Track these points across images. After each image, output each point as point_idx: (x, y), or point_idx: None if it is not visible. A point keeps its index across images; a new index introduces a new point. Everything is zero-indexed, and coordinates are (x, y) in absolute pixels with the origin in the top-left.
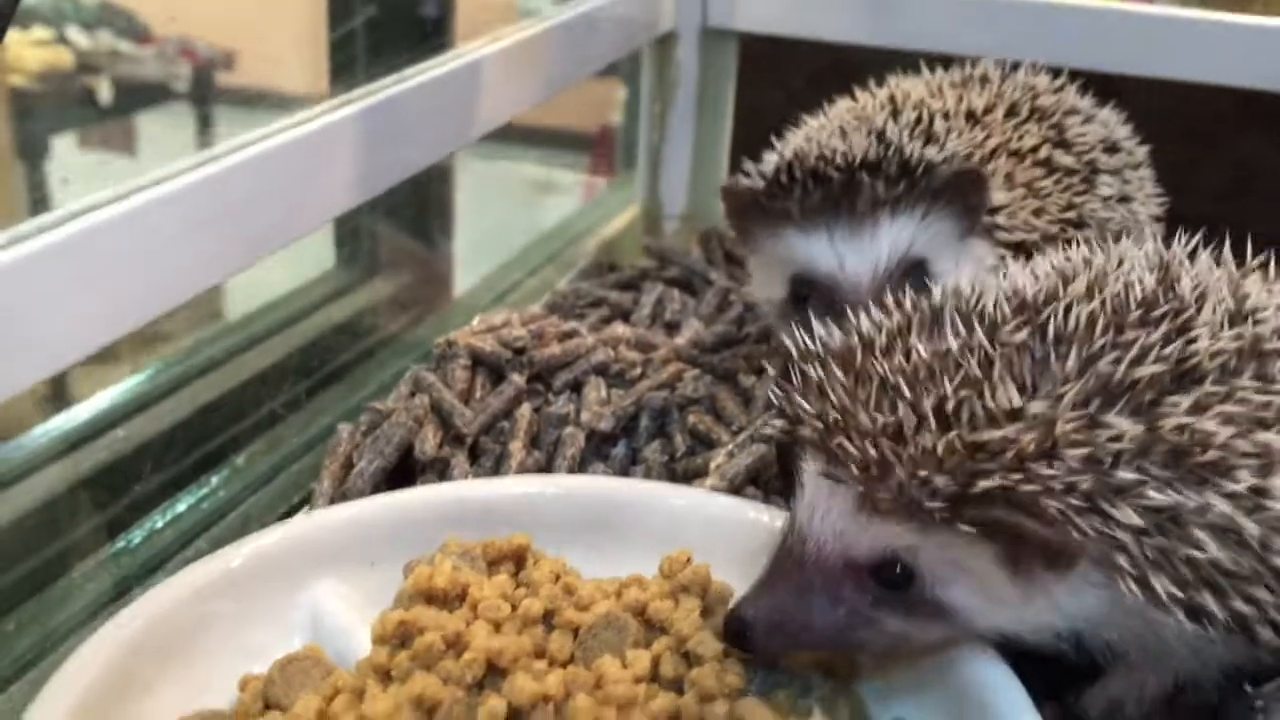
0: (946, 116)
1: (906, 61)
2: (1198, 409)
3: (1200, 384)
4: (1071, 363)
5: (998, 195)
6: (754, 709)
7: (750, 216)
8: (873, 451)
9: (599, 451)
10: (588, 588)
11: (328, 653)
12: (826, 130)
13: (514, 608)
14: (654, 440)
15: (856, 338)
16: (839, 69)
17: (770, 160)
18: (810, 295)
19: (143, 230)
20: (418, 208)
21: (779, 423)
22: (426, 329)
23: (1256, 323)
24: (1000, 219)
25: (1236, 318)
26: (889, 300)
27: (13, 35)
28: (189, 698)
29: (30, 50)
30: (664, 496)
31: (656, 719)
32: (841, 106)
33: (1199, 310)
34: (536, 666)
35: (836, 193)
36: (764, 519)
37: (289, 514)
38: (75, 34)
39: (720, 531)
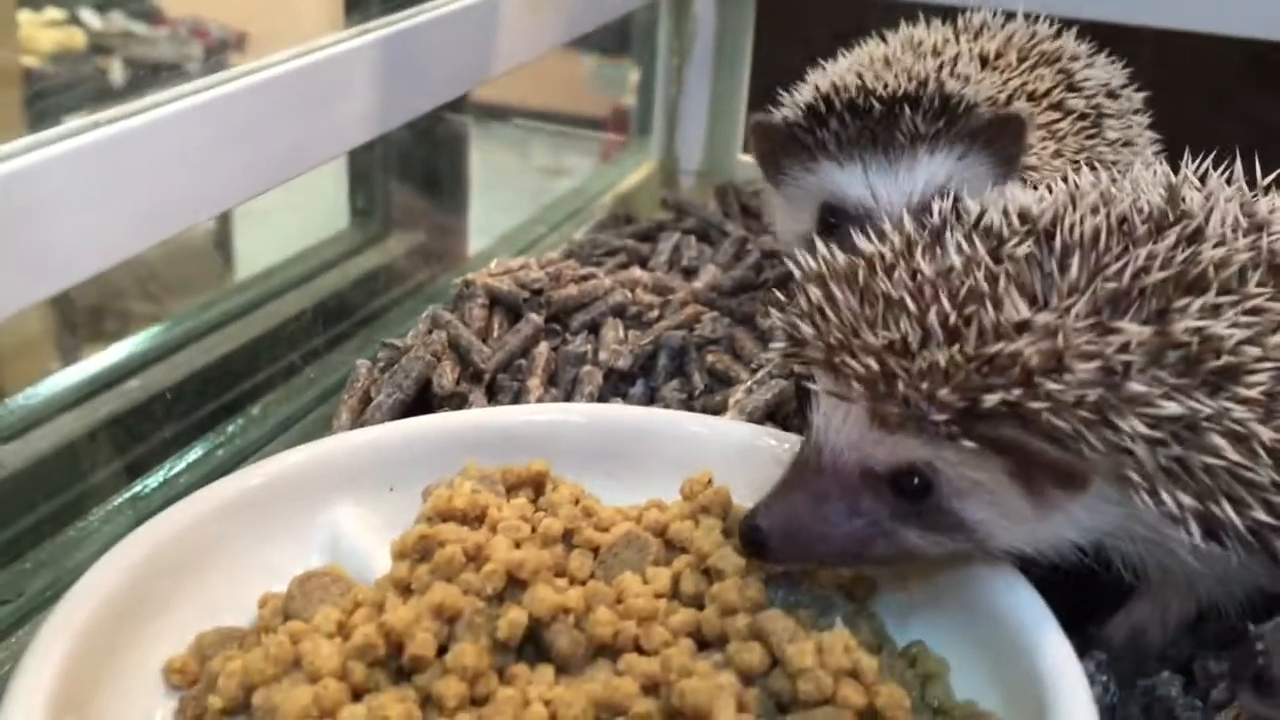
0: (966, 60)
1: (923, 14)
2: (1207, 312)
3: (1208, 290)
4: (1077, 273)
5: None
6: (776, 619)
7: (783, 148)
8: (877, 367)
9: (617, 390)
10: (607, 510)
11: (347, 572)
12: (859, 66)
13: (534, 530)
14: (672, 379)
15: (860, 257)
16: (856, 23)
17: (804, 93)
18: (839, 227)
19: (162, 143)
20: (432, 170)
21: (784, 344)
22: (442, 283)
23: (1270, 235)
24: (1030, 159)
25: (1249, 230)
26: (890, 224)
27: (26, 16)
28: (208, 614)
29: (43, 31)
30: (682, 424)
31: (677, 632)
32: (865, 49)
33: (1207, 222)
34: (557, 582)
35: (875, 124)
36: (783, 446)
37: None
38: (88, 15)
39: (739, 458)
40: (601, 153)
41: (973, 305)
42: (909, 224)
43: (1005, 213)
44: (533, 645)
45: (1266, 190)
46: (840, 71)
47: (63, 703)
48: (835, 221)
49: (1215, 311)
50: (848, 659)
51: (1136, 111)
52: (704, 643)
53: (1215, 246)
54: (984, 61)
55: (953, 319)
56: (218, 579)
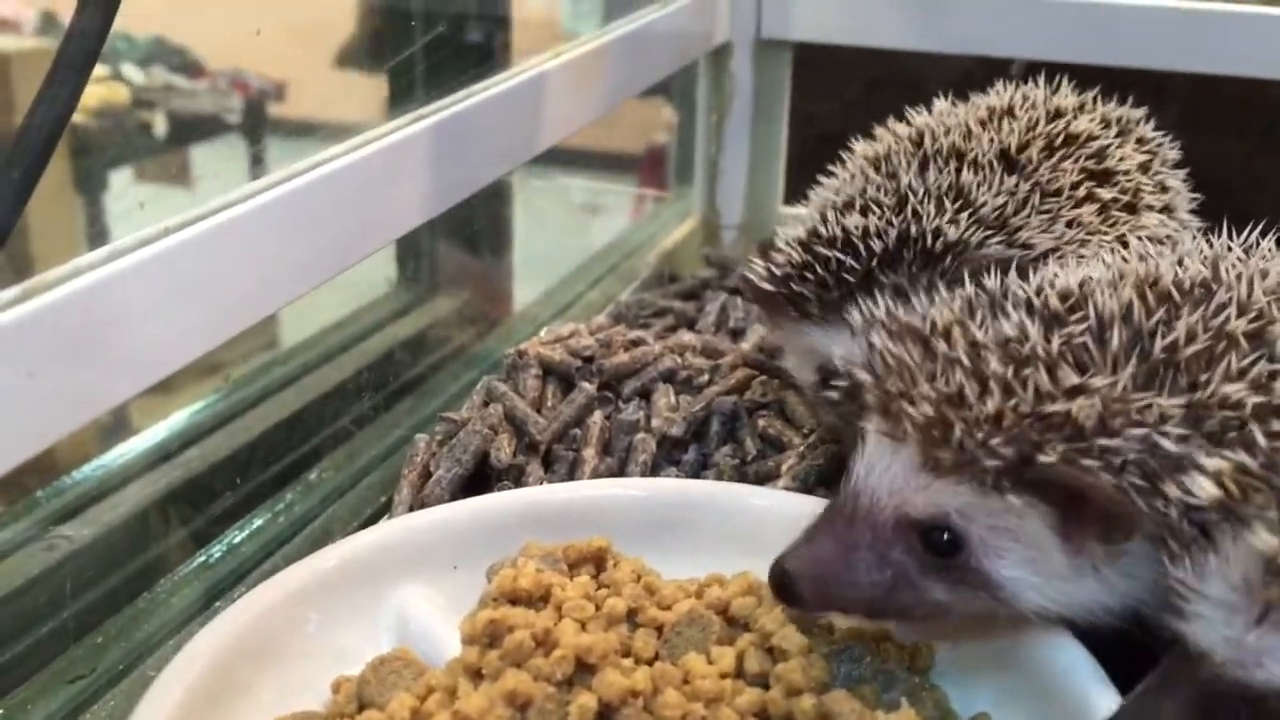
0: (976, 166)
1: (958, 66)
2: (1232, 377)
3: (1235, 355)
4: (1120, 346)
5: (1041, 238)
6: (842, 701)
7: (770, 308)
8: (933, 413)
9: (670, 457)
10: (669, 587)
11: (417, 655)
12: (843, 196)
13: (597, 608)
14: (724, 445)
15: (921, 317)
16: (893, 75)
17: (787, 245)
18: (835, 383)
19: (227, 246)
20: (475, 226)
21: (844, 385)
22: (489, 343)
23: None
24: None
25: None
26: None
27: None
28: (284, 699)
29: (87, 88)
30: (738, 496)
31: (744, 714)
32: (863, 154)
33: (1249, 293)
34: (624, 664)
35: (852, 290)
36: None
37: (365, 525)
38: (130, 70)
39: (794, 529)
40: (638, 187)
41: (1028, 369)
42: (970, 292)
43: (1054, 290)
44: None
45: None
46: (817, 212)
47: None
48: (830, 378)
49: (1242, 374)
50: None
51: (1173, 165)
52: None
53: (1252, 321)
54: (1003, 158)
55: (1009, 377)
56: (293, 663)
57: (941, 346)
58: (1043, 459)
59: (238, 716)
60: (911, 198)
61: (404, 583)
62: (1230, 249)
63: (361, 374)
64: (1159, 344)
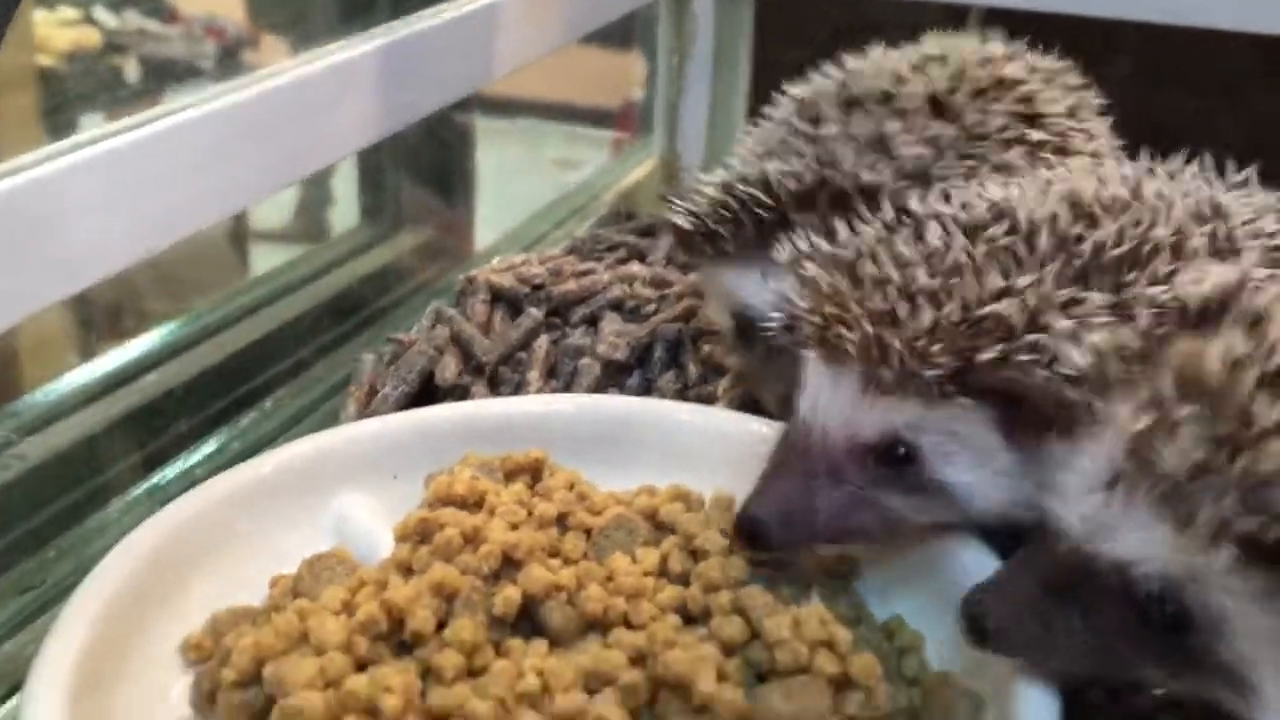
0: (904, 114)
1: (921, 13)
2: (1158, 281)
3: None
4: (1046, 250)
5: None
6: (755, 595)
7: (688, 246)
8: (871, 332)
9: (614, 381)
10: (600, 495)
11: (352, 555)
12: (767, 143)
13: (530, 514)
14: (668, 370)
15: (845, 246)
16: (857, 21)
17: (709, 186)
18: (749, 327)
19: (175, 148)
20: (440, 167)
21: (779, 324)
22: (450, 279)
23: (1230, 224)
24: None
25: (1210, 217)
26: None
27: (40, 15)
28: (222, 595)
29: (58, 30)
30: (674, 413)
31: (664, 609)
32: (791, 100)
33: (1169, 211)
34: (551, 562)
35: (768, 230)
36: (770, 431)
37: None
38: (102, 13)
39: (728, 445)
40: (613, 146)
41: (955, 279)
42: (890, 213)
43: (980, 204)
44: (528, 621)
45: (1233, 183)
46: (741, 159)
47: (85, 681)
48: (747, 330)
49: (1166, 279)
50: (823, 631)
51: (1100, 114)
52: (689, 618)
53: (1171, 230)
54: (931, 102)
55: (938, 289)
56: (231, 562)
57: (869, 269)
58: (980, 360)
59: (174, 612)
60: (833, 144)
61: (343, 490)
62: (1153, 172)
63: (322, 307)
64: (1083, 247)
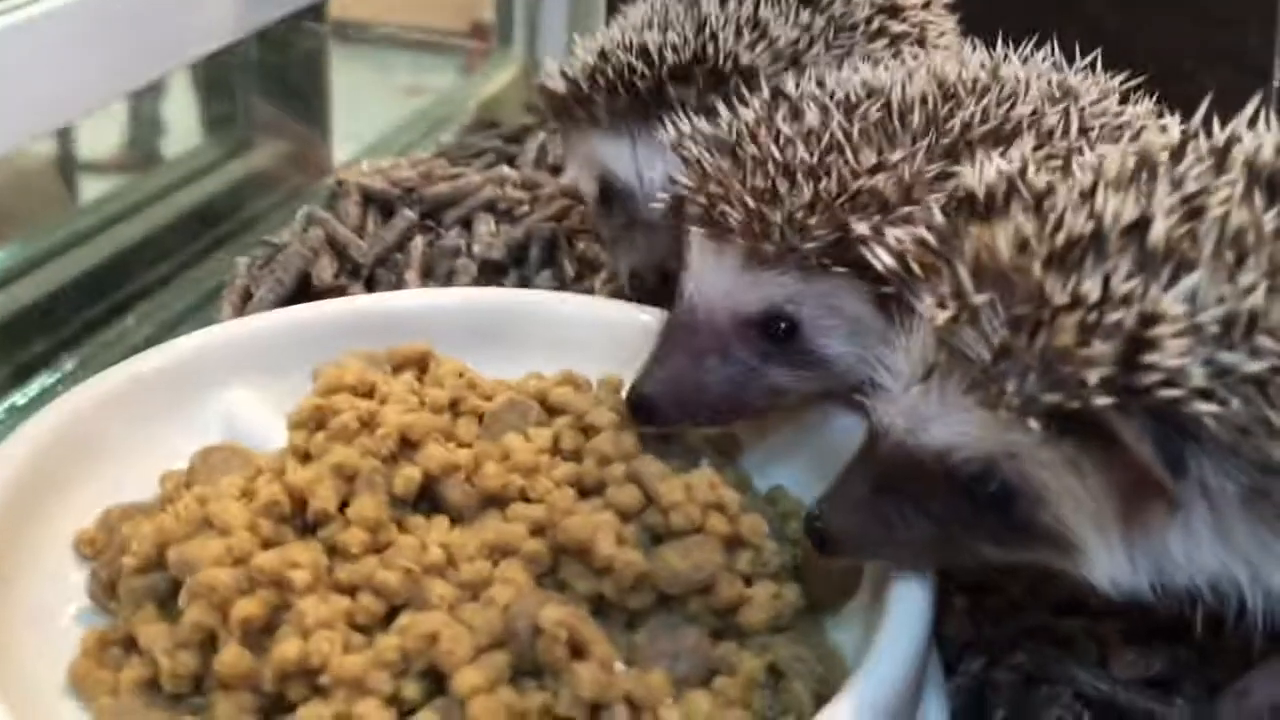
0: (778, 2)
1: None
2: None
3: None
4: (917, 127)
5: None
6: (648, 463)
7: (561, 116)
8: (755, 208)
9: (491, 281)
10: (490, 382)
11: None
12: (644, 18)
13: (421, 402)
14: (544, 269)
15: (726, 126)
16: None
17: (584, 53)
18: (613, 198)
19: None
20: (292, 82)
21: (666, 206)
22: (306, 197)
23: (1079, 103)
24: None
25: (1061, 98)
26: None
27: None
28: (111, 492)
29: None
30: (553, 303)
31: (559, 483)
32: None
33: (1025, 91)
34: (447, 445)
35: (642, 101)
36: (651, 318)
37: None
38: None
39: (610, 333)
40: (465, 68)
41: (831, 154)
42: (767, 93)
43: (853, 85)
44: (426, 502)
45: (1078, 68)
46: (618, 30)
47: None
48: (609, 196)
49: (1036, 157)
50: (713, 494)
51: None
52: (584, 492)
53: (1029, 108)
54: None
55: (815, 164)
56: (118, 459)
57: (750, 148)
58: (856, 232)
59: (64, 508)
60: (711, 22)
61: (229, 386)
62: (1008, 58)
63: (173, 226)
64: (950, 125)
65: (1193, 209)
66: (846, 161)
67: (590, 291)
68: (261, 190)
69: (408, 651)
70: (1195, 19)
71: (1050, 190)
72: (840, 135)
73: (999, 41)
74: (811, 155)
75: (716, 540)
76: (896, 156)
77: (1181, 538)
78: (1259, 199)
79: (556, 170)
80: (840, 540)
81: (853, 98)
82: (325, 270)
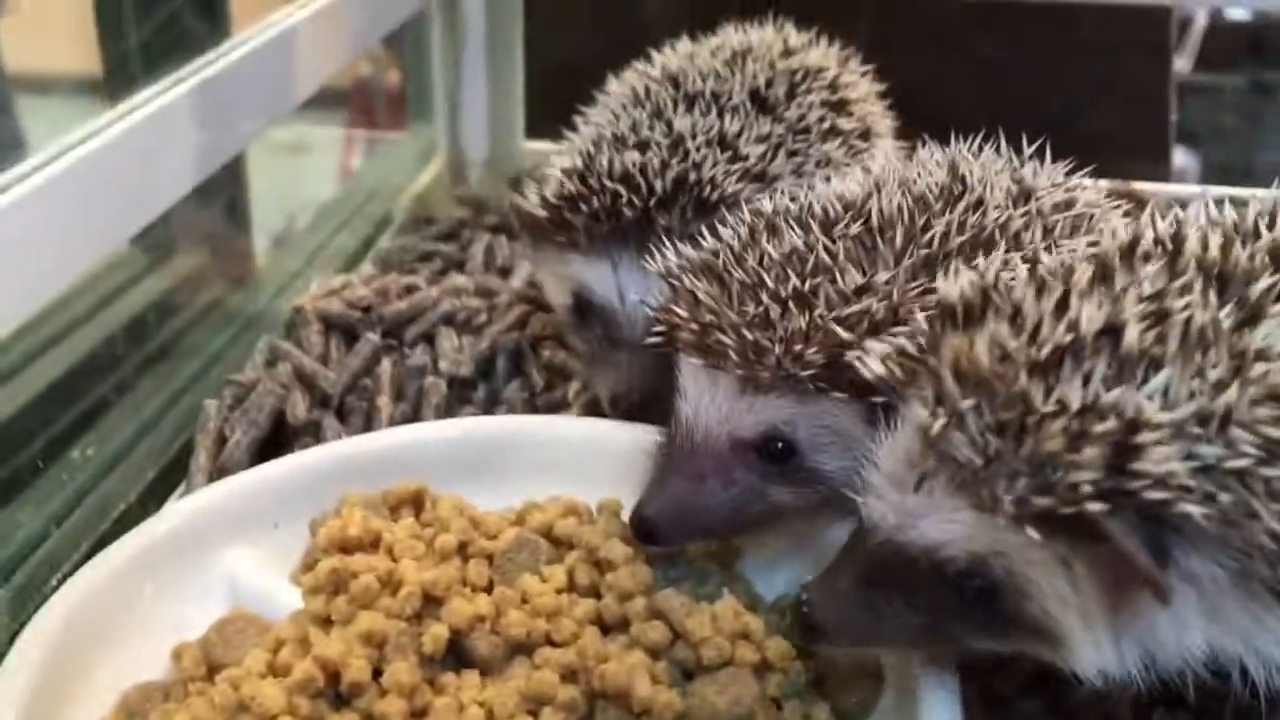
0: (735, 111)
1: None
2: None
3: (995, 249)
4: (899, 245)
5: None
6: (671, 598)
7: (536, 234)
8: (749, 337)
9: (462, 396)
10: (492, 518)
11: (255, 613)
12: (614, 131)
13: (427, 546)
14: (512, 380)
15: (712, 252)
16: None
17: (557, 172)
18: (589, 316)
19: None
20: (204, 183)
21: (658, 335)
22: (238, 299)
23: (1038, 199)
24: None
25: (1018, 197)
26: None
27: None
28: (125, 675)
29: None
30: (543, 427)
31: (582, 623)
32: (621, 92)
33: (989, 193)
34: (466, 593)
35: (625, 227)
36: (644, 435)
37: (145, 496)
38: None
39: (603, 453)
40: (348, 125)
41: (819, 277)
42: (749, 216)
43: (828, 200)
44: (453, 655)
45: (1026, 160)
46: (590, 143)
47: None
48: (585, 311)
49: (1005, 265)
50: (739, 623)
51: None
52: (605, 628)
53: (997, 213)
54: (756, 99)
55: (805, 291)
56: (129, 640)
57: (737, 274)
58: (847, 356)
59: (80, 695)
60: (686, 140)
61: (228, 546)
62: (963, 155)
63: (112, 343)
64: (928, 238)
65: (1158, 312)
66: (834, 282)
67: (562, 400)
68: (193, 296)
69: None
70: (1089, 54)
71: (1023, 300)
72: (825, 256)
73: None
74: (801, 280)
75: (747, 671)
76: (882, 278)
77: (1170, 625)
78: (1213, 297)
79: (506, 272)
80: (826, 628)
81: (831, 213)
82: (299, 406)
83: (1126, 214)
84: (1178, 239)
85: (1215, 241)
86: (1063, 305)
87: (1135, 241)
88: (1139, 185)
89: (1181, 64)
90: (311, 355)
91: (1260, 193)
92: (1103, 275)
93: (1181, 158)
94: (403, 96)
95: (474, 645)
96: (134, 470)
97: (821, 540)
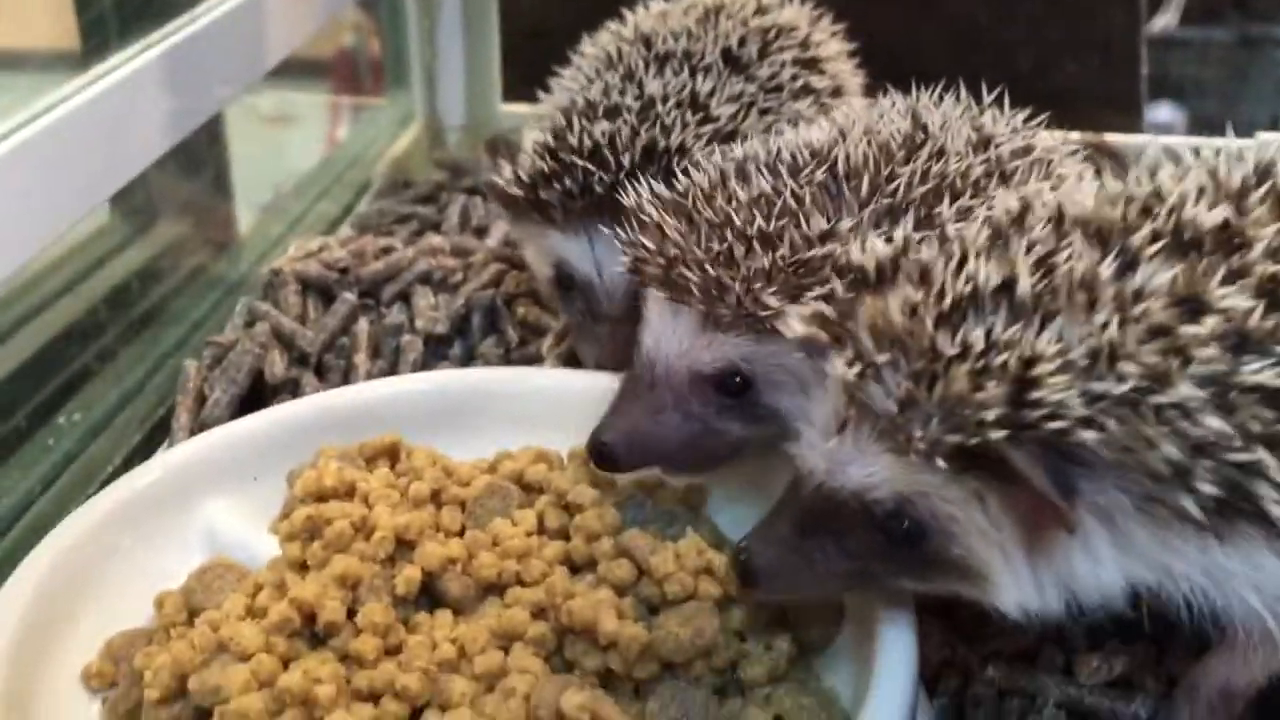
0: (707, 71)
1: None
2: (961, 214)
3: (958, 196)
4: (863, 193)
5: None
6: (636, 537)
7: (514, 211)
8: (712, 273)
9: (438, 352)
10: (465, 467)
11: (234, 561)
12: (585, 98)
13: (401, 495)
14: (488, 336)
15: (683, 192)
16: None
17: (531, 147)
18: (571, 289)
19: None
20: (185, 152)
21: (625, 264)
22: (222, 265)
23: (997, 147)
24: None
25: (979, 145)
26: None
27: None
28: (108, 623)
29: None
30: (515, 378)
31: (551, 563)
32: (594, 55)
33: (950, 141)
34: (437, 536)
35: (598, 201)
36: (612, 386)
37: (130, 459)
38: None
39: (575, 402)
40: (333, 94)
41: (784, 220)
42: (719, 160)
43: (796, 146)
44: (426, 596)
45: (985, 108)
46: (561, 115)
47: (8, 700)
48: (568, 285)
49: (965, 214)
50: (702, 560)
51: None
52: (574, 568)
53: (958, 161)
54: (727, 58)
55: (769, 233)
56: (113, 586)
57: (706, 213)
58: (806, 297)
59: (67, 646)
60: (656, 104)
61: (208, 498)
62: (925, 105)
63: (95, 311)
64: (892, 187)
65: (1046, 267)
66: (799, 226)
67: (537, 355)
68: (177, 263)
69: None
70: (1059, 8)
71: (930, 263)
72: (791, 201)
73: (867, 57)
74: (766, 222)
75: (710, 604)
76: (846, 224)
77: (1085, 559)
78: (1095, 250)
79: (481, 232)
80: (764, 574)
81: (799, 160)
82: (277, 364)
83: (1087, 159)
84: (1061, 208)
85: (1094, 200)
86: (962, 265)
87: (1024, 211)
88: (1110, 137)
89: (1168, 19)
90: (289, 315)
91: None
92: (995, 239)
93: (1167, 112)
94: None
95: (446, 586)
96: (118, 434)
97: (780, 483)
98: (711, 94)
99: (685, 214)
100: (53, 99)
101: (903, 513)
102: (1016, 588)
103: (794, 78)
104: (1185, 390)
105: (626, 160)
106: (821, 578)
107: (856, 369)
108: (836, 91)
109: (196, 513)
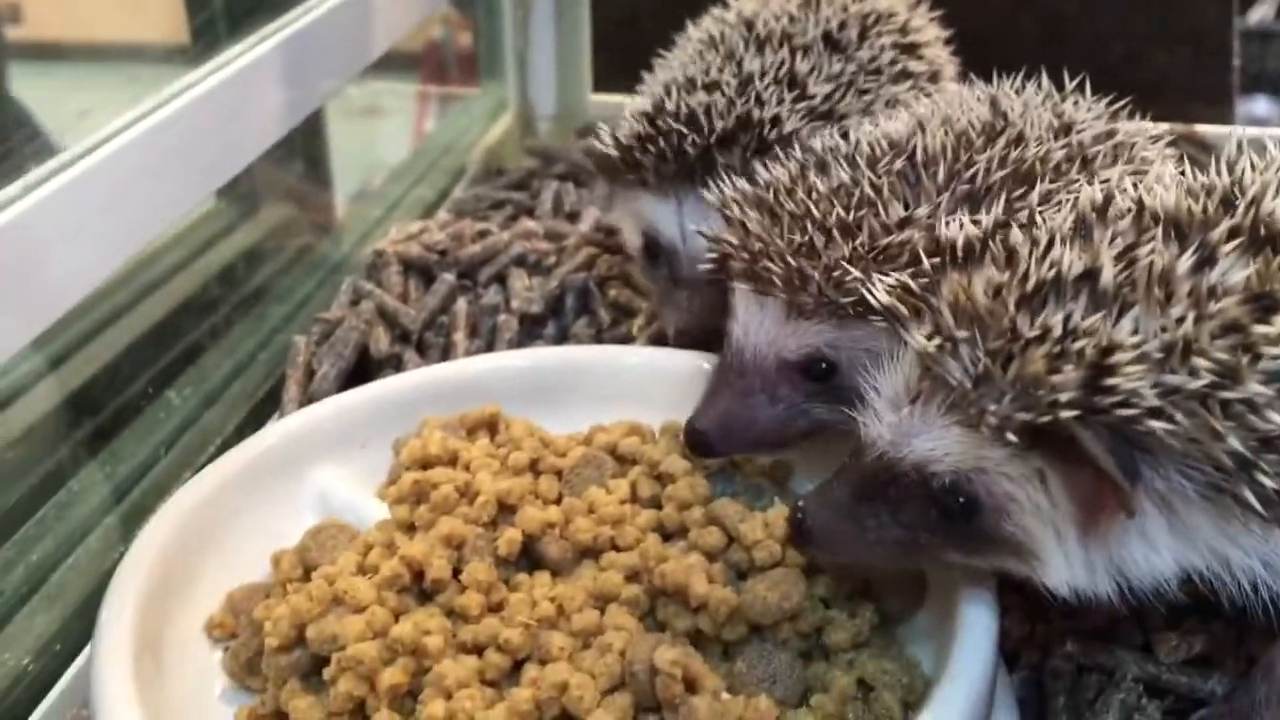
0: (806, 51)
1: None
2: (1042, 199)
3: (1036, 183)
4: (941, 180)
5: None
6: (726, 505)
7: (609, 173)
8: (794, 264)
9: (532, 332)
10: (561, 439)
11: (345, 522)
12: (686, 75)
13: (501, 464)
14: (580, 317)
15: (764, 185)
16: None
17: (632, 112)
18: (659, 255)
19: (106, 181)
20: (285, 141)
21: (711, 260)
22: (325, 247)
23: (1078, 133)
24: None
25: (1059, 131)
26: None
27: None
28: (228, 579)
29: None
30: (610, 357)
31: (644, 530)
32: (697, 37)
33: (1029, 128)
34: (537, 503)
35: (689, 166)
36: (705, 364)
37: (241, 432)
38: None
39: (668, 381)
40: (421, 85)
41: (863, 210)
42: (799, 153)
43: (875, 138)
44: (526, 559)
45: (1067, 94)
46: (661, 87)
47: (142, 680)
48: (655, 252)
49: (1047, 198)
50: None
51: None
52: (666, 535)
53: (1037, 147)
54: (828, 41)
55: (849, 222)
56: (232, 544)
57: (787, 205)
58: (885, 283)
59: (189, 599)
60: (754, 80)
61: (319, 464)
62: (1005, 92)
63: (207, 289)
64: (971, 173)
65: (1128, 258)
66: (877, 215)
67: (627, 335)
68: (279, 247)
69: (541, 702)
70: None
71: (1016, 246)
72: (870, 190)
73: (962, 45)
74: (845, 212)
75: (797, 570)
76: (924, 211)
77: (1140, 543)
78: (1174, 245)
79: (573, 217)
80: (816, 535)
81: (876, 151)
82: (381, 340)
83: (1172, 146)
84: (1141, 201)
85: (1172, 196)
86: (1047, 251)
87: (1108, 201)
88: (1201, 129)
89: (1264, 11)
90: (392, 294)
91: None
92: (1078, 228)
93: (1264, 105)
94: (473, 58)
95: (545, 549)
96: (229, 405)
97: None
98: (810, 73)
99: (767, 208)
100: (170, 91)
101: (959, 488)
102: (1067, 567)
103: (893, 62)
104: (1254, 386)
105: (720, 127)
106: (872, 544)
107: (935, 342)
108: (934, 77)
109: (308, 478)
